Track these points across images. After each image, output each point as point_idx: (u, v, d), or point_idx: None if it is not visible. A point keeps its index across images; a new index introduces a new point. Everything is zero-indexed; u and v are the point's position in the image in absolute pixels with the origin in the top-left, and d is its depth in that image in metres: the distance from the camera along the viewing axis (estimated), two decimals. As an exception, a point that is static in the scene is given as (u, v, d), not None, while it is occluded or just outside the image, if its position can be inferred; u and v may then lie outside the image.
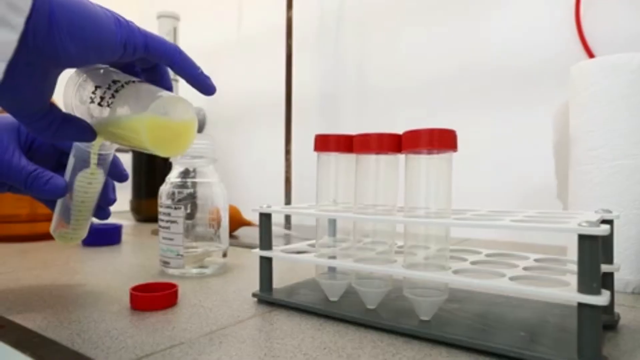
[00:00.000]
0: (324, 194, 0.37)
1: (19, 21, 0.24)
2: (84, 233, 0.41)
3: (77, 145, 0.37)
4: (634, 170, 0.41)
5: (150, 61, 0.33)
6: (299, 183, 0.91)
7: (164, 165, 0.98)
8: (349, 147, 0.35)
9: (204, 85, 0.34)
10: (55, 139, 0.32)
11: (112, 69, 0.34)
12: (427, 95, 0.82)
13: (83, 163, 0.37)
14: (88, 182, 0.38)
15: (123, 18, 0.30)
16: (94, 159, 0.37)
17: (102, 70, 0.34)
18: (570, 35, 0.68)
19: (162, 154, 0.32)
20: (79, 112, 0.34)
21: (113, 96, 0.31)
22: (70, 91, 0.34)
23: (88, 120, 0.33)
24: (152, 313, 0.35)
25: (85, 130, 0.32)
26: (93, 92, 0.32)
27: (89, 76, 0.33)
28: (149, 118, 0.30)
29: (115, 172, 0.41)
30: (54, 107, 0.31)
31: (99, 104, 0.32)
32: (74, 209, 0.39)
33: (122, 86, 0.32)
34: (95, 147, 0.37)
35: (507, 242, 0.69)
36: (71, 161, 0.38)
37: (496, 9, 0.75)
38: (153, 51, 0.31)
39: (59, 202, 0.39)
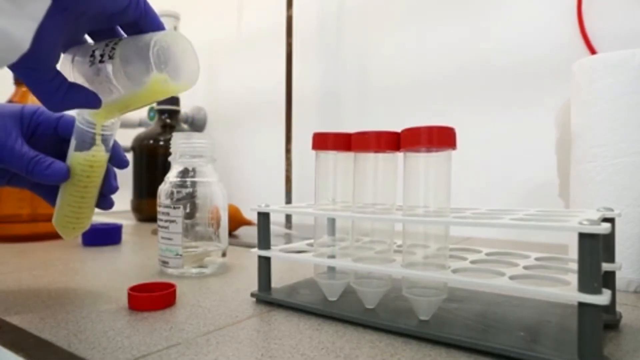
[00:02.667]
0: (323, 192, 0.36)
1: None
2: (87, 223, 0.40)
3: (79, 126, 0.37)
4: (636, 168, 0.40)
5: (139, 29, 0.34)
6: (300, 182, 0.90)
7: (165, 165, 0.98)
8: (347, 146, 0.34)
9: None
10: (64, 105, 0.32)
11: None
12: (428, 94, 0.82)
13: (84, 145, 0.37)
14: (90, 165, 0.37)
15: None
16: (98, 139, 0.37)
17: (93, 43, 0.34)
18: (572, 32, 0.68)
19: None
20: (79, 82, 0.34)
21: (113, 49, 0.32)
22: (67, 69, 0.34)
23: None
24: (149, 313, 0.35)
25: (92, 96, 0.33)
26: (91, 56, 0.33)
27: (83, 49, 0.33)
28: (153, 79, 0.31)
29: (115, 158, 0.41)
30: (60, 73, 0.32)
31: (100, 62, 0.32)
32: (77, 196, 0.38)
33: (120, 39, 0.32)
34: (98, 127, 0.37)
35: (509, 241, 0.69)
36: (72, 144, 0.37)
37: (497, 7, 0.75)
38: (149, 13, 0.33)
39: (60, 192, 0.39)
